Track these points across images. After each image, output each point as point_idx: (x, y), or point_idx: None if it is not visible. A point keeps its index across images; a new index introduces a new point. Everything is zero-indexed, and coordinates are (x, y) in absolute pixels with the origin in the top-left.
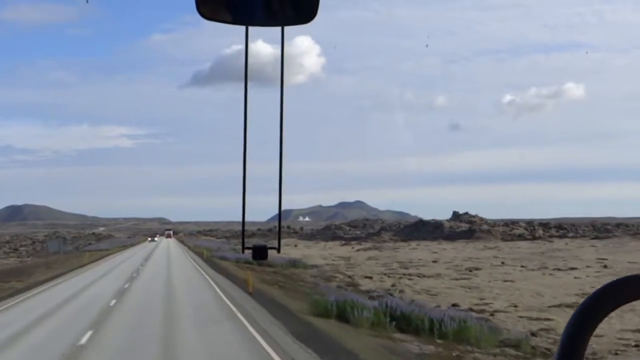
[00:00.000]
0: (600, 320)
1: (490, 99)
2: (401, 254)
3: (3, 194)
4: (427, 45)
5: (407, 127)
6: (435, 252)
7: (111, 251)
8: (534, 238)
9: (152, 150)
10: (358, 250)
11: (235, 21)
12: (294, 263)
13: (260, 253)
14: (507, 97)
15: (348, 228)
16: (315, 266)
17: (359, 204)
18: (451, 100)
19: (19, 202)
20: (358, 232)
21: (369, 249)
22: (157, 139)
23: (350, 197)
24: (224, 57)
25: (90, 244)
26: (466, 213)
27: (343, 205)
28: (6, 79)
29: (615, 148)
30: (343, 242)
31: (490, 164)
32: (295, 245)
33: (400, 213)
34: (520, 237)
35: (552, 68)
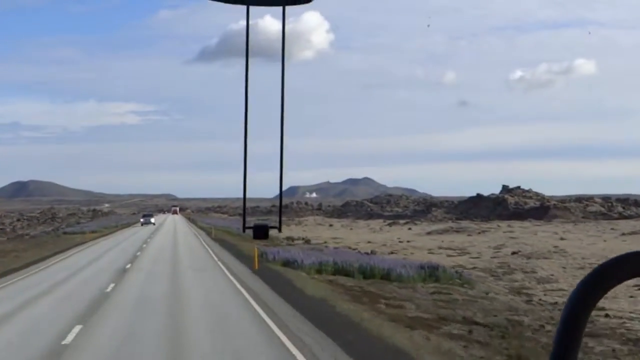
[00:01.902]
0: (602, 295)
1: (498, 75)
2: (524, 240)
3: (10, 170)
4: (428, 26)
5: (415, 104)
6: (562, 239)
7: (86, 236)
8: (622, 217)
9: (159, 127)
10: (429, 232)
11: (236, 0)
12: (433, 271)
13: (261, 232)
14: (517, 74)
15: (371, 204)
16: (458, 271)
17: (366, 181)
18: (459, 77)
19: (25, 179)
20: (399, 210)
21: (446, 231)
22: (164, 116)
23: (358, 174)
24: (232, 32)
25: (79, 222)
26: (518, 187)
27: (350, 181)
28: (12, 56)
29: (627, 125)
30: (388, 221)
31: (499, 141)
32: (331, 225)
33: (409, 190)
34: (605, 216)
35: (561, 45)
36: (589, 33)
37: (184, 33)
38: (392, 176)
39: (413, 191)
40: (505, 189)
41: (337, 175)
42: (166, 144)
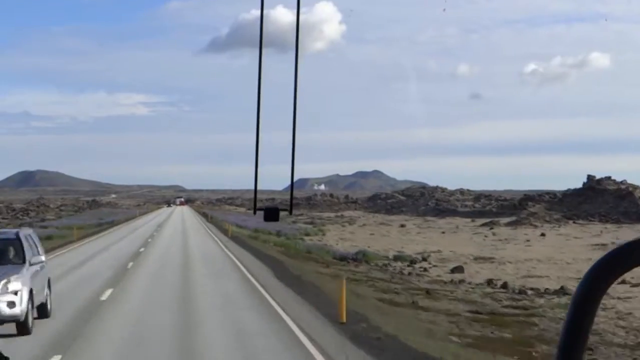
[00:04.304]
0: (613, 281)
1: (511, 68)
2: None
3: (19, 160)
4: (444, 10)
5: (426, 97)
6: None
7: None
8: None
9: (168, 118)
10: None
11: None
12: None
13: (272, 215)
14: (531, 67)
15: (403, 198)
16: None
17: (376, 174)
18: (472, 70)
19: (33, 168)
20: (478, 206)
21: None
22: (173, 107)
23: (368, 167)
24: (243, 23)
25: (43, 220)
26: (608, 177)
27: (360, 174)
28: (23, 46)
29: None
30: (478, 220)
31: (511, 135)
32: (402, 226)
33: (419, 183)
34: None
35: (574, 39)
36: (606, 20)
37: (195, 23)
38: (402, 169)
39: (423, 184)
40: (591, 179)
41: (346, 167)
42: (175, 135)
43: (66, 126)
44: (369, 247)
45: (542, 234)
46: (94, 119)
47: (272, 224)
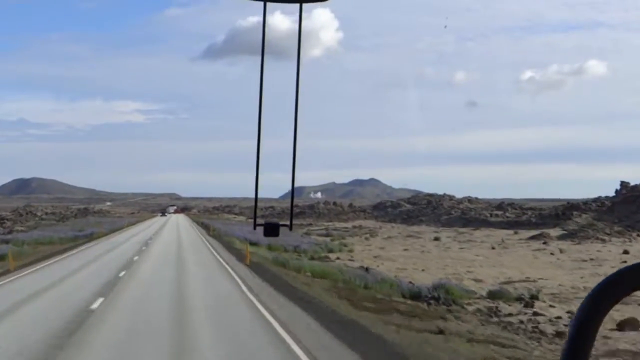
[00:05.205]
0: (613, 304)
1: (508, 76)
2: None
3: (15, 167)
4: (445, 27)
5: (423, 105)
6: None
7: None
8: None
9: (165, 126)
10: None
11: None
12: None
13: (272, 230)
14: (528, 74)
15: (408, 205)
16: None
17: (373, 182)
18: (469, 77)
19: (29, 176)
20: (511, 215)
21: None
22: (170, 115)
23: (365, 175)
24: (239, 30)
25: (12, 231)
26: None
27: (357, 182)
28: (20, 53)
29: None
30: (522, 232)
31: (508, 143)
32: (436, 238)
33: (416, 192)
34: None
35: (572, 47)
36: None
37: (192, 30)
38: (398, 177)
39: (420, 193)
40: (625, 186)
41: (343, 176)
42: (171, 142)
43: (62, 134)
44: (423, 270)
45: (625, 252)
46: (90, 126)
47: (286, 238)
